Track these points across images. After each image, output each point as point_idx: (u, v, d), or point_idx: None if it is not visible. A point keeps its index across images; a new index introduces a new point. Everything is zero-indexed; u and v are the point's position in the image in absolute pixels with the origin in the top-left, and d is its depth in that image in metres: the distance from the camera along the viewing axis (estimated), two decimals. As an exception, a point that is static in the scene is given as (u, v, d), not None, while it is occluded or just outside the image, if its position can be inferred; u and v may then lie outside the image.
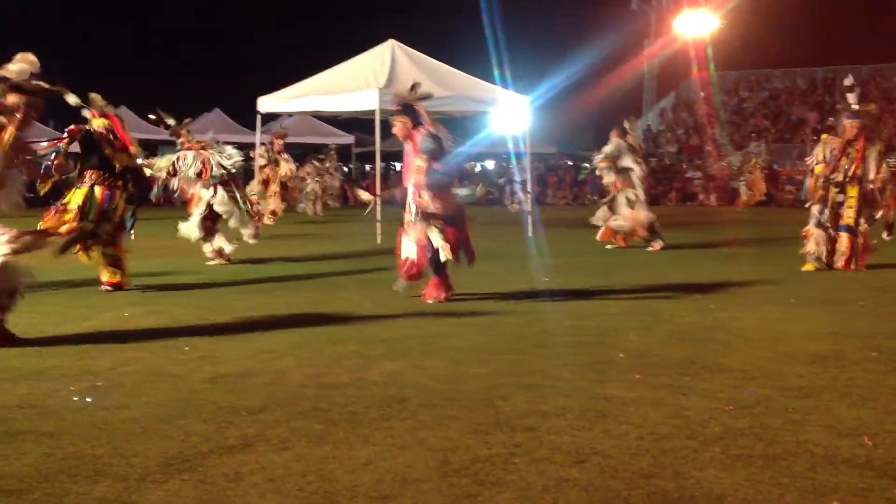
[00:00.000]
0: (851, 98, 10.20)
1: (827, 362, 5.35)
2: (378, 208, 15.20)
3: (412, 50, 16.08)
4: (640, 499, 3.21)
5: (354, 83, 15.16)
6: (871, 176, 9.91)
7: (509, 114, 16.72)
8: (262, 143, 18.20)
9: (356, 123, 27.85)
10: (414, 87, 7.96)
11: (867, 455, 3.64)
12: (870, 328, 6.47)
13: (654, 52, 40.05)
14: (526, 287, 8.93)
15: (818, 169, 10.07)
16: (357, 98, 14.88)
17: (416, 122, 7.77)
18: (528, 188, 17.46)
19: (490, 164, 40.41)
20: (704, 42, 38.31)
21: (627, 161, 12.89)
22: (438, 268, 7.78)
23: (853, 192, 9.96)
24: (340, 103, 15.81)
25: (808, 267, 10.02)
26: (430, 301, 7.78)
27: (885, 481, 3.34)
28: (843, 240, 9.96)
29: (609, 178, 13.15)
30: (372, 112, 14.84)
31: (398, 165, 32.70)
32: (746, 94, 38.59)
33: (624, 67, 39.91)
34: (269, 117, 20.14)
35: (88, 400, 4.51)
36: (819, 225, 10.05)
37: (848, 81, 10.51)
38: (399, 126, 7.84)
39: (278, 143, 18.35)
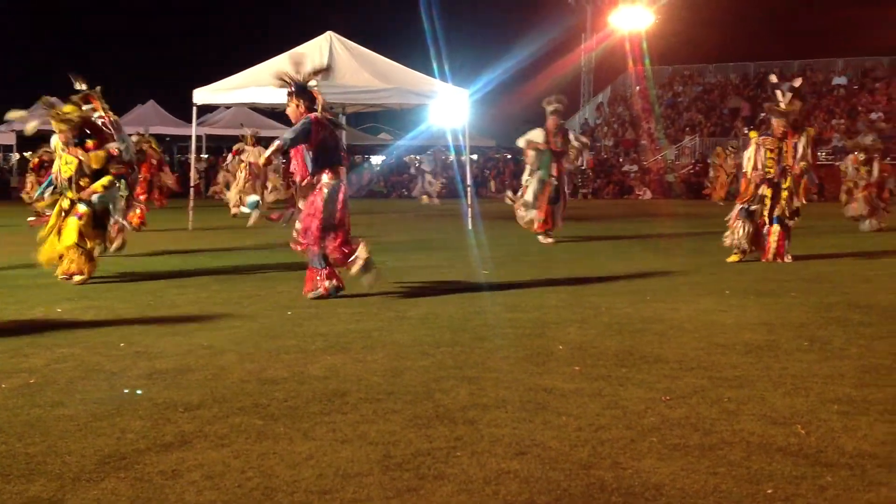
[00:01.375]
0: (779, 96, 10.42)
1: (761, 352, 5.46)
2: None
3: (350, 42, 16.00)
4: (580, 489, 3.24)
5: (293, 75, 15.01)
6: (799, 158, 10.13)
7: (448, 107, 16.74)
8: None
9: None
10: (317, 70, 7.71)
11: (800, 443, 3.72)
12: (802, 318, 6.62)
13: (590, 47, 40.42)
14: (466, 280, 8.95)
15: (751, 173, 10.28)
16: (295, 90, 14.74)
17: (311, 108, 7.48)
18: (468, 181, 17.48)
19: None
20: (640, 37, 38.81)
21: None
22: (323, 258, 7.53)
23: (786, 184, 10.18)
24: (278, 95, 15.57)
25: (733, 258, 10.23)
26: (309, 295, 7.54)
27: (818, 469, 3.42)
28: (775, 231, 10.18)
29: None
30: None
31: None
32: (681, 89, 39.20)
33: (561, 61, 40.30)
34: (205, 109, 19.89)
35: (22, 397, 4.41)
36: (746, 216, 10.25)
37: (773, 79, 10.75)
38: (293, 108, 7.53)
39: (250, 141, 19.03)
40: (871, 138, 15.83)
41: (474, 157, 34.72)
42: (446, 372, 4.99)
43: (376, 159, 40.67)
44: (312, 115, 7.40)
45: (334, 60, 15.18)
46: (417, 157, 32.23)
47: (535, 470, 3.43)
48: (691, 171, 31.36)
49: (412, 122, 32.34)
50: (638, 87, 38.88)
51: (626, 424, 3.99)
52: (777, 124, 10.25)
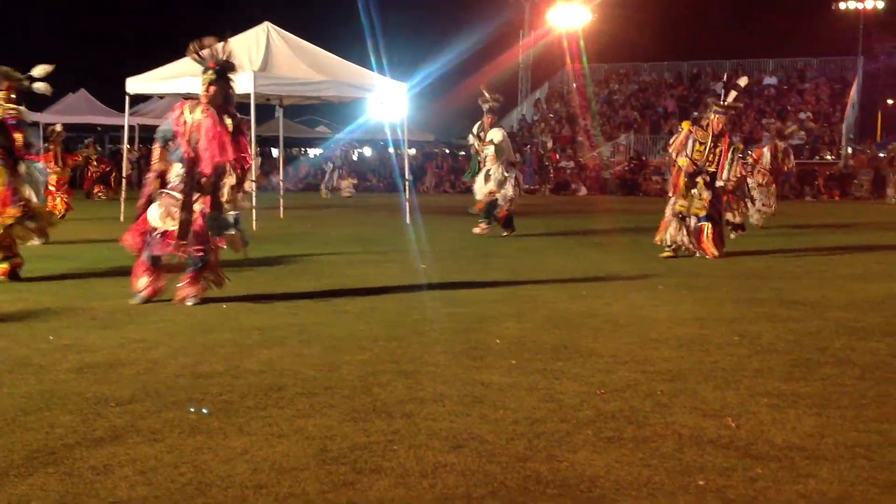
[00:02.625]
0: (730, 96, 10.58)
1: (692, 346, 5.56)
2: (253, 194, 14.95)
3: (288, 33, 15.84)
4: (516, 482, 3.26)
5: (229, 66, 14.81)
6: (725, 176, 10.30)
7: (387, 101, 16.69)
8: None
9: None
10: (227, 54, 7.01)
11: (731, 436, 3.80)
12: (733, 313, 6.75)
13: (528, 44, 40.67)
14: (403, 274, 8.95)
15: (682, 162, 10.38)
16: (231, 81, 14.54)
17: (228, 98, 6.94)
18: (407, 175, 17.46)
19: (368, 151, 40.42)
20: (577, 35, 39.18)
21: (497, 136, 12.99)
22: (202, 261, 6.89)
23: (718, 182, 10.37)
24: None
25: (666, 254, 10.40)
26: (188, 302, 6.82)
27: (748, 461, 3.49)
28: (707, 228, 10.36)
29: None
30: (246, 96, 14.54)
31: (274, 151, 32.24)
32: (616, 87, 39.64)
33: (500, 58, 40.47)
34: (139, 99, 19.54)
35: (-57, 393, 4.28)
36: (677, 214, 10.41)
37: (743, 81, 10.94)
38: (216, 91, 6.85)
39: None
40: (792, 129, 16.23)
41: (413, 151, 34.70)
42: (384, 366, 4.98)
43: (314, 152, 40.44)
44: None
45: (272, 51, 15.03)
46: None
47: (472, 463, 3.44)
48: (626, 168, 31.76)
49: (350, 116, 32.21)
50: (575, 85, 39.24)
51: (561, 417, 4.03)
52: (717, 120, 10.37)
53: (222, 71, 6.92)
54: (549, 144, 34.89)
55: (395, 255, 10.78)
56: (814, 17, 41.73)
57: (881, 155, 29.48)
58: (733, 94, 10.60)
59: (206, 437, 3.72)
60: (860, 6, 40.89)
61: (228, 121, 6.82)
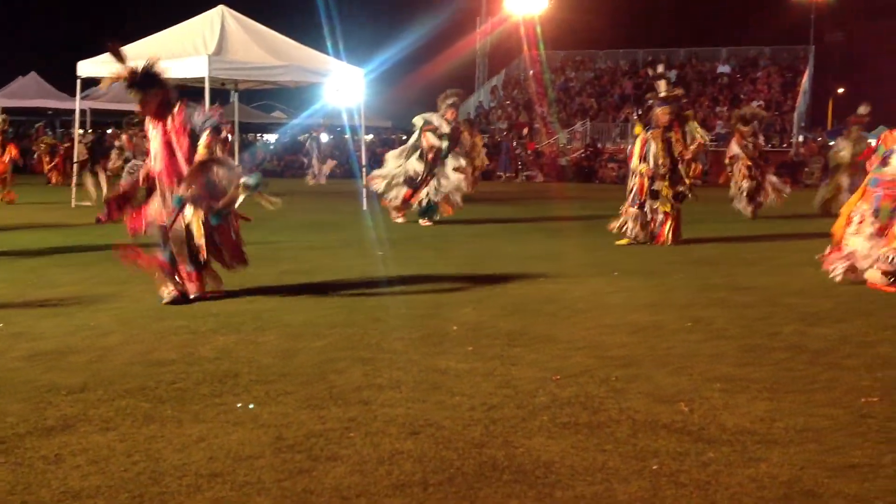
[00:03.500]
0: (661, 86, 10.68)
1: (647, 332, 5.61)
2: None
3: (243, 17, 15.66)
4: (472, 468, 3.28)
5: (182, 49, 14.61)
6: (689, 145, 10.40)
7: (344, 86, 16.59)
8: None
9: (183, 91, 26.92)
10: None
11: (684, 420, 3.84)
12: (686, 300, 6.82)
13: (486, 31, 40.64)
14: (360, 261, 8.92)
15: (643, 168, 10.45)
16: (185, 65, 14.33)
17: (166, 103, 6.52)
18: (363, 161, 17.37)
19: (325, 137, 40.16)
20: (534, 22, 39.24)
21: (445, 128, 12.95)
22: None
23: (679, 171, 10.44)
24: (167, 70, 15.23)
25: (622, 241, 10.49)
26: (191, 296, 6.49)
27: (700, 445, 3.53)
28: (669, 221, 10.45)
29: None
30: (201, 80, 14.38)
31: (228, 137, 31.89)
32: (573, 74, 39.79)
33: (457, 44, 40.43)
34: (91, 82, 19.23)
35: None
36: (637, 205, 10.50)
37: (660, 69, 10.97)
38: (146, 104, 6.49)
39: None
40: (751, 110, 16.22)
41: (370, 137, 34.54)
42: (340, 353, 4.96)
43: (270, 138, 40.09)
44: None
45: (226, 35, 14.85)
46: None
47: (429, 449, 3.45)
48: (583, 156, 31.92)
49: (307, 101, 32.00)
50: (532, 72, 39.32)
51: (517, 403, 4.05)
52: (661, 112, 10.47)
53: (141, 83, 6.46)
54: (528, 132, 34.89)
55: (353, 241, 10.74)
56: (766, 6, 42.26)
57: (831, 143, 29.96)
58: (664, 83, 10.70)
59: (159, 425, 3.68)
60: (812, -5, 41.42)
61: (181, 140, 6.41)
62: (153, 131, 6.48)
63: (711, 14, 46.56)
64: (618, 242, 10.46)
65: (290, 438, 3.54)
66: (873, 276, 7.30)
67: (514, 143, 33.48)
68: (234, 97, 19.55)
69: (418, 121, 13.11)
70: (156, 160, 6.46)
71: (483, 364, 4.75)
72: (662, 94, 10.56)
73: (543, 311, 6.28)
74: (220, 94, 20.70)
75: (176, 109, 6.47)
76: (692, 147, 10.44)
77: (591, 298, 6.82)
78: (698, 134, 10.53)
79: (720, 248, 10.44)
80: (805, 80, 35.92)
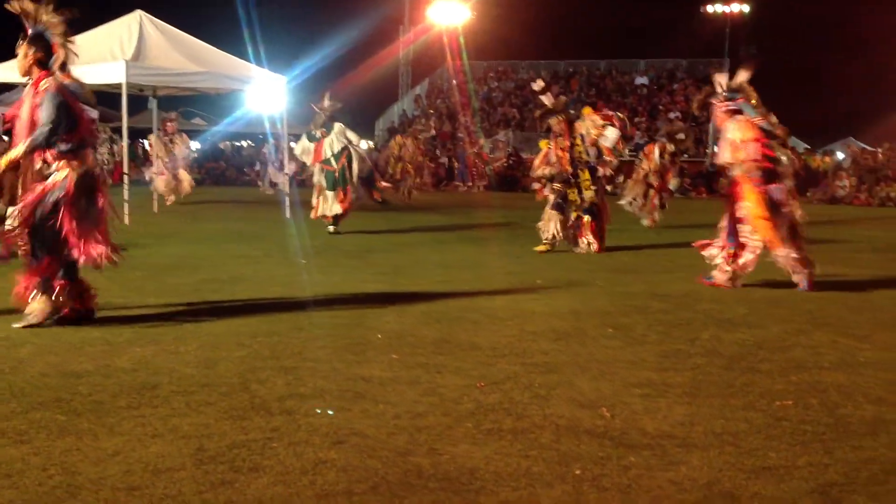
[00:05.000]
0: (546, 100, 10.87)
1: (569, 339, 5.68)
2: (125, 188, 14.51)
3: (162, 22, 15.39)
4: (397, 476, 3.27)
5: (99, 54, 14.28)
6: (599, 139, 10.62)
7: (265, 93, 16.42)
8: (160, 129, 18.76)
9: (100, 97, 26.26)
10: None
11: (605, 425, 3.90)
12: (607, 307, 6.92)
13: (409, 40, 40.71)
14: (283, 269, 8.83)
15: (546, 171, 10.68)
16: (102, 70, 14.02)
17: (44, 64, 5.78)
18: (286, 169, 17.22)
19: (246, 145, 39.72)
20: (457, 32, 39.46)
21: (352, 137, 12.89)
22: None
23: (586, 175, 10.63)
24: (83, 75, 14.85)
25: (541, 248, 10.62)
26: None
27: (622, 450, 3.59)
28: (586, 221, 10.63)
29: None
30: (118, 85, 14.09)
31: (146, 143, 31.31)
32: (495, 84, 40.11)
33: (380, 53, 40.41)
34: (2, 88, 18.67)
35: None
36: (556, 207, 10.64)
37: (536, 86, 11.20)
38: (20, 57, 5.80)
39: (172, 125, 19.11)
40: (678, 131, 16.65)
41: (293, 145, 34.27)
42: (263, 362, 4.90)
43: (191, 145, 39.34)
44: (53, 83, 5.69)
45: (145, 40, 14.59)
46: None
47: (353, 458, 3.42)
48: (505, 164, 32.16)
49: (228, 108, 31.52)
50: (455, 81, 39.51)
51: (442, 411, 4.05)
52: (554, 122, 10.69)
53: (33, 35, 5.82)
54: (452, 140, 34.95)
55: (275, 250, 10.63)
56: (683, 20, 43.20)
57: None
58: (548, 96, 10.92)
59: (75, 438, 3.58)
60: (727, 10, 42.59)
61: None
62: (26, 98, 5.75)
63: (630, 27, 47.47)
64: (537, 249, 10.58)
65: (211, 450, 3.48)
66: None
67: (438, 152, 33.56)
68: (153, 103, 19.16)
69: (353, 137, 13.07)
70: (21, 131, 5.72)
71: (407, 372, 4.75)
72: (550, 106, 10.78)
73: (467, 318, 6.30)
74: (139, 100, 20.31)
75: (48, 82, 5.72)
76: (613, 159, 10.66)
77: (514, 306, 6.87)
78: (592, 132, 10.67)
79: (638, 256, 10.62)
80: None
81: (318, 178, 12.79)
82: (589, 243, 10.61)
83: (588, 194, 10.60)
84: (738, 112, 8.02)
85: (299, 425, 3.81)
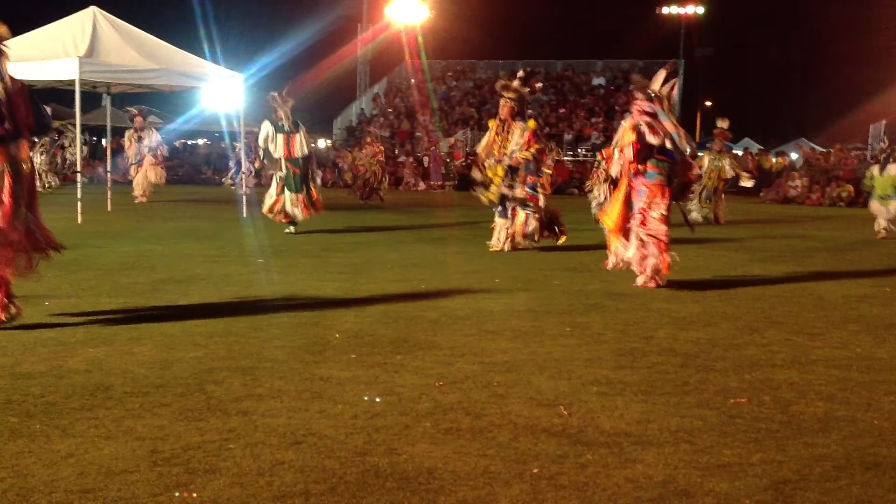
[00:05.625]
0: (514, 83, 10.91)
1: (527, 338, 5.70)
2: (79, 186, 14.31)
3: (116, 19, 15.19)
4: (355, 477, 3.25)
5: (52, 51, 14.07)
6: (514, 149, 10.56)
7: (222, 91, 16.27)
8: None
9: (53, 94, 25.83)
10: None
11: (563, 424, 3.92)
12: (565, 305, 6.96)
13: (367, 38, 40.62)
14: (240, 269, 8.76)
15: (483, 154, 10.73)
16: (54, 67, 13.82)
17: None
18: (243, 168, 17.09)
19: (202, 143, 39.39)
20: (415, 31, 39.45)
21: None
22: None
23: (499, 169, 10.66)
24: (36, 72, 14.58)
25: (494, 248, 10.70)
26: None
27: (579, 448, 3.61)
28: (520, 216, 10.69)
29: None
30: (71, 82, 13.88)
31: (104, 141, 30.89)
32: (454, 84, 40.16)
33: (338, 51, 40.28)
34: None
35: None
36: (501, 212, 10.72)
37: (520, 75, 11.25)
38: None
39: (139, 120, 19.53)
40: None
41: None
42: (219, 363, 4.86)
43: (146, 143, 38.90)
44: None
45: (98, 37, 14.38)
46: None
47: (311, 459, 3.41)
48: (464, 164, 32.20)
49: (183, 106, 31.23)
50: (414, 80, 39.50)
51: (400, 411, 4.05)
52: (502, 104, 10.72)
53: None
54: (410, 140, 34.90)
55: (232, 249, 10.54)
56: (639, 21, 43.68)
57: (699, 154, 31.10)
58: (516, 82, 10.97)
59: (27, 440, 3.52)
60: (682, 11, 43.12)
61: None
62: None
63: (587, 28, 47.86)
64: (490, 247, 10.67)
65: (166, 451, 3.45)
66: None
67: (396, 151, 33.51)
68: (107, 101, 18.92)
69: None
70: None
71: (366, 372, 4.73)
72: (512, 88, 10.82)
73: (425, 317, 6.30)
74: (92, 97, 20.03)
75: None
76: (518, 155, 10.58)
77: (473, 305, 6.88)
78: (525, 142, 10.60)
79: (595, 256, 10.66)
80: (675, 93, 37.17)
81: (282, 175, 12.54)
82: (516, 236, 10.64)
83: (520, 189, 10.58)
84: (654, 115, 8.06)
85: (256, 426, 3.78)
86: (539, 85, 11.05)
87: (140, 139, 19.51)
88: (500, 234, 10.79)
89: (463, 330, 5.91)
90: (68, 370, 4.62)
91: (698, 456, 3.54)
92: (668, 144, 7.99)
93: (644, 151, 7.91)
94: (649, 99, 8.17)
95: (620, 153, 8.15)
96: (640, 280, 7.99)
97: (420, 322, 6.14)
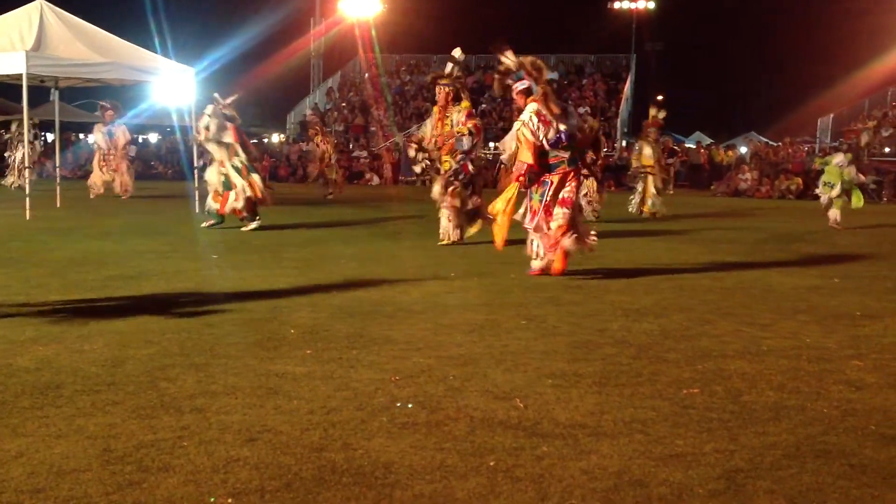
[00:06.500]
0: (447, 67, 10.88)
1: (483, 331, 5.72)
2: (27, 182, 14.06)
3: (64, 12, 14.93)
4: (311, 473, 3.24)
5: (-2, 44, 13.80)
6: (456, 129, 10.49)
7: (173, 85, 16.08)
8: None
9: (0, 89, 25.35)
10: None
11: (519, 416, 3.93)
12: (520, 299, 6.99)
13: (320, 32, 40.38)
14: (193, 264, 8.67)
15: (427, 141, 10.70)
16: (1, 61, 13.56)
17: None
18: (194, 163, 16.89)
19: (153, 137, 38.93)
20: (369, 24, 39.31)
21: (227, 136, 12.36)
22: None
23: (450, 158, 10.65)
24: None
25: (442, 242, 10.71)
26: None
27: (535, 440, 3.63)
28: (446, 214, 10.72)
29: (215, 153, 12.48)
30: (18, 77, 13.62)
31: (49, 136, 30.38)
32: (408, 78, 40.08)
33: (291, 45, 40.02)
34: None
35: None
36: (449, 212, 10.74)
37: (456, 52, 11.15)
38: None
39: (110, 114, 19.52)
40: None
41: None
42: (172, 359, 4.80)
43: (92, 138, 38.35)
44: None
45: (45, 30, 14.13)
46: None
47: (266, 456, 3.38)
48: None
49: (133, 100, 30.81)
50: (367, 74, 39.37)
51: (356, 405, 4.04)
52: (439, 91, 10.65)
53: None
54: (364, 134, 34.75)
55: (184, 245, 10.42)
56: (590, 16, 44.00)
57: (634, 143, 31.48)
58: (450, 65, 10.95)
59: (-26, 441, 3.46)
60: (633, 6, 43.49)
61: None
62: None
63: (540, 22, 48.09)
64: (440, 243, 10.66)
65: (118, 450, 3.40)
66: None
67: (351, 146, 33.38)
68: (55, 95, 18.60)
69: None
70: None
71: (321, 367, 4.71)
72: (446, 74, 10.80)
73: (381, 312, 6.29)
74: (40, 91, 19.69)
75: None
76: (457, 129, 10.46)
77: (428, 299, 6.88)
78: (462, 121, 10.52)
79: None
80: (627, 87, 37.54)
81: (221, 177, 12.30)
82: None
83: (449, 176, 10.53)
84: (529, 92, 7.97)
85: (210, 423, 3.75)
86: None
87: (110, 134, 19.38)
88: (448, 228, 10.75)
89: (419, 324, 5.91)
90: (17, 368, 4.54)
91: (652, 446, 3.57)
92: (561, 126, 7.87)
93: (542, 151, 7.85)
94: (519, 79, 8.03)
95: (522, 163, 7.92)
96: (535, 264, 8.09)
97: (375, 317, 6.13)
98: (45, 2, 14.66)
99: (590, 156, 14.59)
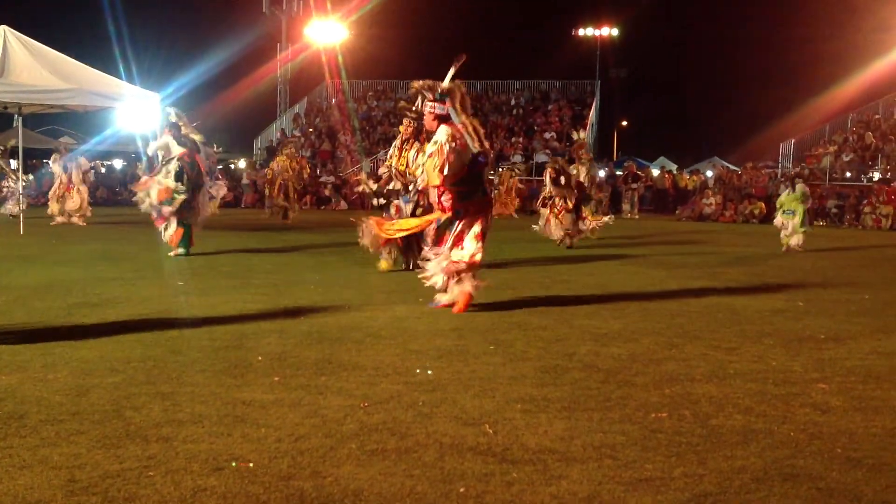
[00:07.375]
0: (419, 102, 10.91)
1: (451, 357, 5.71)
2: (21, 200, 13.88)
3: (27, 38, 14.83)
4: (279, 501, 3.21)
5: (-40, 70, 13.69)
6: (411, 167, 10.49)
7: (138, 111, 16.00)
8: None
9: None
10: None
11: (489, 442, 3.93)
12: (488, 324, 7.00)
13: (286, 58, 40.38)
14: (159, 291, 8.58)
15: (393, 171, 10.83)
16: (-37, 87, 13.45)
17: None
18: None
19: (118, 164, 38.64)
20: (335, 51, 39.40)
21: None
22: None
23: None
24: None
25: (382, 265, 10.71)
26: None
27: (505, 466, 3.62)
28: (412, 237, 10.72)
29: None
30: (-19, 103, 13.50)
31: (13, 163, 30.02)
32: (375, 103, 40.18)
33: (258, 70, 39.99)
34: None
35: None
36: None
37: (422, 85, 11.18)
38: None
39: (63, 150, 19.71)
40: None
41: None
42: (138, 388, 4.75)
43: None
44: None
45: (9, 56, 14.02)
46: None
47: (234, 485, 3.35)
48: (386, 184, 32.20)
49: (98, 126, 30.60)
50: (334, 100, 39.42)
51: (325, 433, 4.01)
52: (406, 124, 10.59)
53: None
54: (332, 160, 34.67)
55: (149, 272, 10.33)
56: (556, 43, 44.47)
57: (618, 173, 31.75)
58: (420, 100, 10.96)
59: (-65, 474, 3.39)
60: (597, 33, 44.04)
61: None
62: None
63: (506, 47, 48.50)
64: (378, 266, 10.68)
65: (83, 480, 3.35)
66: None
67: (318, 171, 33.31)
68: (18, 121, 18.42)
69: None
70: None
71: (289, 394, 4.68)
72: (415, 109, 10.80)
73: (349, 338, 6.26)
74: (3, 117, 19.50)
75: None
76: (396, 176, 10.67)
77: (396, 324, 6.87)
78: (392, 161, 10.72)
79: (516, 273, 10.76)
80: (592, 113, 37.91)
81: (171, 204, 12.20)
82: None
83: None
84: (447, 118, 7.73)
85: (177, 452, 3.70)
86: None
87: (66, 169, 19.25)
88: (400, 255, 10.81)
89: (387, 349, 5.89)
90: (-21, 399, 4.46)
91: (621, 471, 3.58)
92: (476, 146, 7.57)
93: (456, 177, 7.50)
94: (439, 99, 7.83)
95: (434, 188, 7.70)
96: (443, 299, 7.76)
97: (344, 342, 6.10)
98: (7, 28, 14.56)
99: (576, 181, 14.80)
